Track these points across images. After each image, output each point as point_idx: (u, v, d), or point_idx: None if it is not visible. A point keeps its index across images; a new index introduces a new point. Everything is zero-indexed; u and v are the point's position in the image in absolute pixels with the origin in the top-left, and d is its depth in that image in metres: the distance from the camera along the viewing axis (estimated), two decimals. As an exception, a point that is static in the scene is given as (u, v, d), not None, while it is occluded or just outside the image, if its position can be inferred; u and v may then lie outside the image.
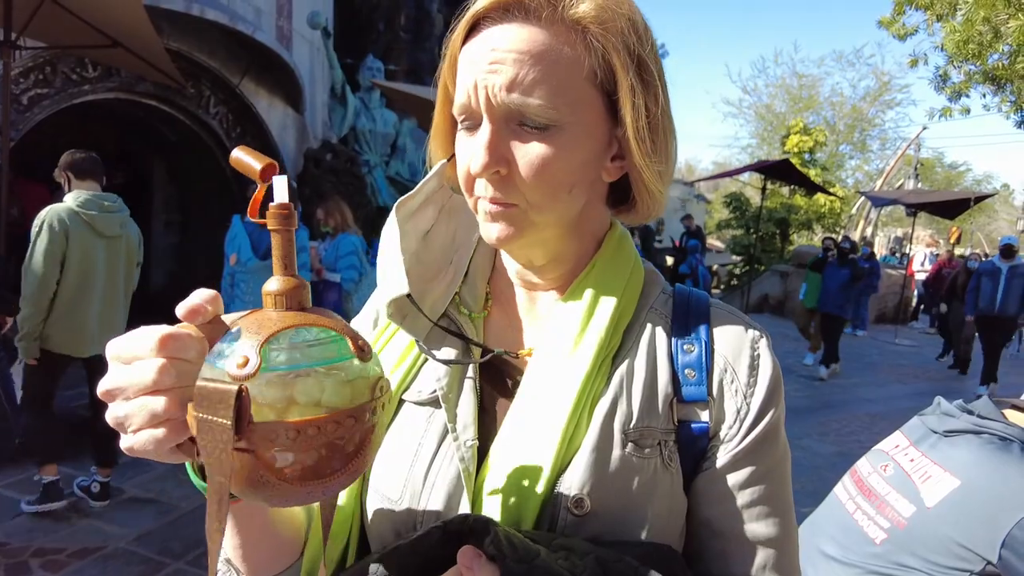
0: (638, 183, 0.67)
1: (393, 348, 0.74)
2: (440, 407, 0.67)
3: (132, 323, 0.50)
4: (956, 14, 5.45)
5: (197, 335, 0.46)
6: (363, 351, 0.47)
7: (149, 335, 0.45)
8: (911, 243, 16.44)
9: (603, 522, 0.61)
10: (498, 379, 0.71)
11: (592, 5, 0.61)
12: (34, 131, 5.43)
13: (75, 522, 3.27)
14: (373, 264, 5.09)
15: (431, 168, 0.72)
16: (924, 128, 21.94)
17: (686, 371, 0.67)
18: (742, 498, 0.65)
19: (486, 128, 0.61)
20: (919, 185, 22.66)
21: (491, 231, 0.65)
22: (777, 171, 12.22)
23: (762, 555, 0.64)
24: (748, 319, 0.72)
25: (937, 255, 16.13)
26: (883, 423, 6.05)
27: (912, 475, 1.45)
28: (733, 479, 0.65)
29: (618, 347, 0.68)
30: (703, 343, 0.68)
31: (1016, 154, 67.22)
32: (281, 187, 0.46)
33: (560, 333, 0.67)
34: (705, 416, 0.66)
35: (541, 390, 0.65)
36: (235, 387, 0.41)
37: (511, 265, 0.73)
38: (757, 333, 0.70)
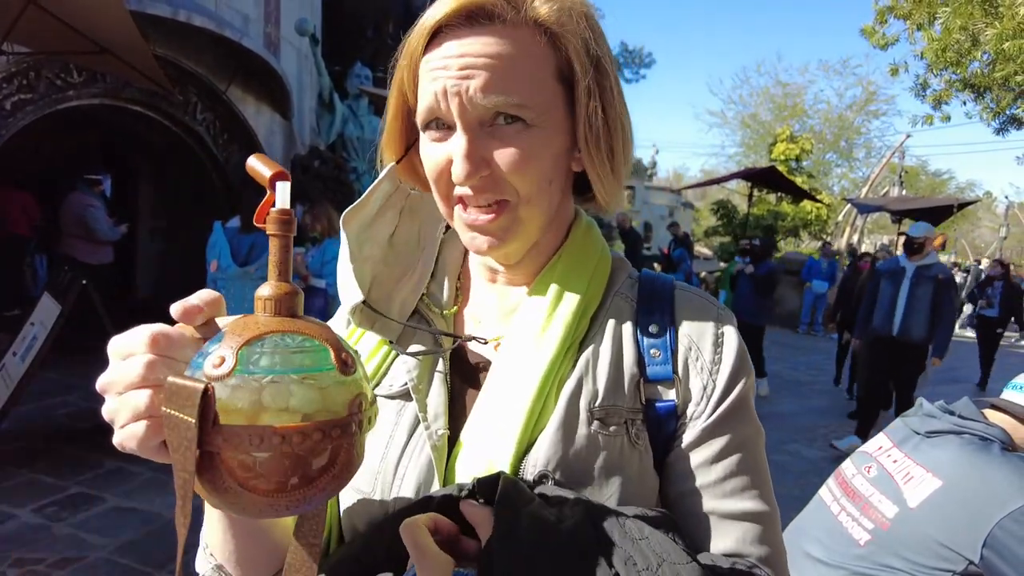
0: (592, 178, 0.68)
1: (364, 344, 0.75)
2: (410, 399, 0.68)
3: (121, 331, 0.51)
4: (935, 23, 5.54)
5: (191, 335, 0.47)
6: (346, 364, 0.45)
7: (143, 332, 0.46)
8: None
9: None
10: (468, 372, 0.72)
11: (550, 7, 0.62)
12: (17, 136, 5.38)
13: (56, 532, 3.21)
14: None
15: (380, 171, 0.72)
16: (908, 136, 22.24)
17: (651, 351, 0.68)
18: (713, 473, 0.65)
19: (461, 136, 0.61)
20: (903, 192, 22.94)
21: (478, 243, 0.66)
22: (764, 178, 12.32)
23: (739, 530, 0.63)
24: (713, 299, 0.73)
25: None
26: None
27: (895, 476, 1.46)
28: (702, 454, 0.65)
29: (585, 333, 0.69)
30: (667, 323, 0.69)
31: (998, 162, 68.36)
32: (284, 193, 0.46)
33: (527, 323, 0.68)
34: (672, 395, 0.66)
35: (508, 377, 0.66)
36: (202, 385, 0.41)
37: (482, 260, 0.74)
38: (721, 312, 0.71)
